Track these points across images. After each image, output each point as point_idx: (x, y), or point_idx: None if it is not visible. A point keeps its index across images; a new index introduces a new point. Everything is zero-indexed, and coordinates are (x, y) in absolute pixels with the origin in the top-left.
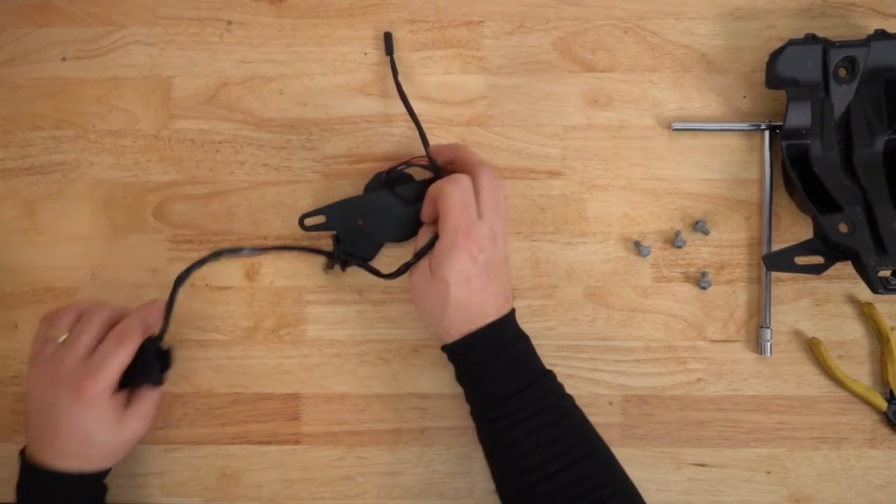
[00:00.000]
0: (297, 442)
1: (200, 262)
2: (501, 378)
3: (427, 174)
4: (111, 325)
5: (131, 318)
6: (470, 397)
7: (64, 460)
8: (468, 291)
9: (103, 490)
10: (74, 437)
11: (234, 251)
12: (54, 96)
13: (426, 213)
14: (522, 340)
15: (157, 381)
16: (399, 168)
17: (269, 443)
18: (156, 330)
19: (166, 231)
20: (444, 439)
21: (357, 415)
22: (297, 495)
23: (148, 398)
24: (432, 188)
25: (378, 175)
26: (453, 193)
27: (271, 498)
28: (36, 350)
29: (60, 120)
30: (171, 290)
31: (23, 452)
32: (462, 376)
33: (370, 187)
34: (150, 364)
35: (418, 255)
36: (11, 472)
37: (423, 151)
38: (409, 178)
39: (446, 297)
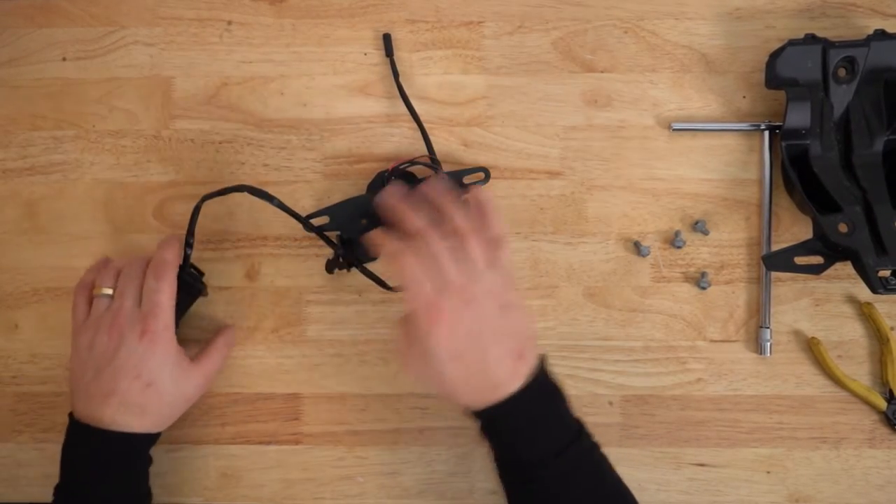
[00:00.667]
0: (297, 442)
1: (225, 191)
2: (537, 442)
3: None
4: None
5: (159, 255)
6: (499, 458)
7: (124, 414)
8: (464, 367)
9: (150, 460)
10: (138, 383)
11: (261, 193)
12: (55, 96)
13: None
14: (551, 397)
15: (201, 290)
16: (402, 167)
17: (269, 443)
18: (180, 260)
19: (166, 231)
20: (444, 439)
21: (357, 415)
22: (298, 495)
23: (213, 358)
24: (387, 248)
25: (381, 174)
26: (407, 271)
27: (271, 498)
28: (81, 312)
29: (61, 120)
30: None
31: (71, 416)
32: (488, 439)
33: (373, 187)
34: (186, 281)
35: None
36: (12, 472)
37: (424, 151)
38: (412, 177)
39: (442, 378)
